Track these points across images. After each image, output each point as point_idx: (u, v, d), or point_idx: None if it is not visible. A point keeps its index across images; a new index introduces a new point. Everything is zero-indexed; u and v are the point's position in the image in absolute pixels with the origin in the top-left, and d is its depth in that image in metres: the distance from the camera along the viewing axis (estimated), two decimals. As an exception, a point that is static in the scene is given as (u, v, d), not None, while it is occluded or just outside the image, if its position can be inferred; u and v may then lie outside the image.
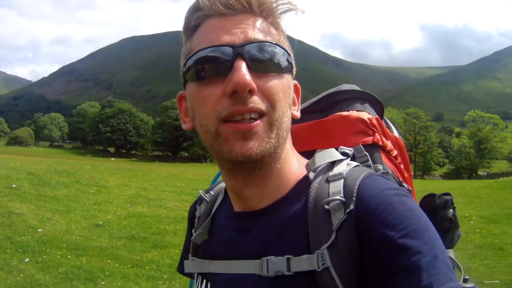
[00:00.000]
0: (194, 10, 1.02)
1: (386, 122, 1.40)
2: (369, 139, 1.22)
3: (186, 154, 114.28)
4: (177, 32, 1.17)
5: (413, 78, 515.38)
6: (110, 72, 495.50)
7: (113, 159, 70.54)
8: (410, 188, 1.25)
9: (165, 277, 8.56)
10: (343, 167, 1.01)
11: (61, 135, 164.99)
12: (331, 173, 1.00)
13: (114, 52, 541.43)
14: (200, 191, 1.33)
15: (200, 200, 1.31)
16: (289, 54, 1.03)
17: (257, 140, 0.94)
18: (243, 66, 0.92)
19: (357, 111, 1.28)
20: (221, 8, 0.97)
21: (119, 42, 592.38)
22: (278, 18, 1.04)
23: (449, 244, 1.28)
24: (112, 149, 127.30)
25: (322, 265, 0.88)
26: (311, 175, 1.04)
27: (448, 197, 1.31)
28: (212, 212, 1.21)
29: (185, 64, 1.02)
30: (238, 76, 0.91)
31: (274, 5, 1.02)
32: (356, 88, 1.36)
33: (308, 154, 1.14)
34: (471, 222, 15.04)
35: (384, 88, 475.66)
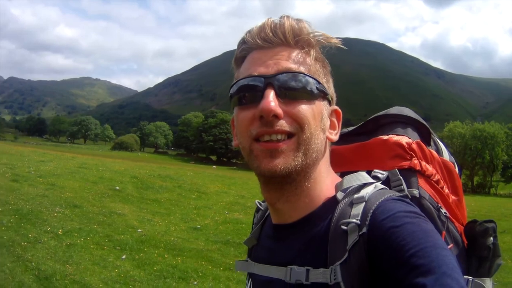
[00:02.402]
0: (241, 43, 1.15)
1: (436, 145, 1.40)
2: (405, 164, 1.23)
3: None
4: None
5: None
6: (213, 84, 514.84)
7: (214, 166, 72.02)
8: (447, 213, 1.22)
9: (255, 282, 8.51)
10: (368, 191, 1.06)
11: (166, 142, 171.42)
12: (355, 196, 1.05)
13: (216, 64, 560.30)
14: (256, 201, 1.45)
15: (257, 209, 1.44)
16: (319, 83, 1.10)
17: (282, 158, 1.03)
18: (270, 95, 1.03)
19: (397, 135, 1.29)
20: (260, 42, 1.10)
21: (222, 55, 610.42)
22: (313, 48, 1.12)
23: (486, 273, 1.24)
24: (214, 157, 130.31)
25: (334, 279, 0.95)
26: (340, 195, 1.09)
27: (489, 225, 1.25)
28: (262, 221, 1.35)
29: (229, 91, 1.15)
30: (264, 103, 1.02)
31: (309, 37, 1.11)
32: (405, 111, 1.38)
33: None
34: None
35: (486, 101, 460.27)
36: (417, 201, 1.16)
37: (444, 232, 1.18)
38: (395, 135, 1.28)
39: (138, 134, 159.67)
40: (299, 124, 1.04)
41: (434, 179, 1.26)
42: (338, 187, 1.12)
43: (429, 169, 1.25)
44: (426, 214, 1.08)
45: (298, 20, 1.10)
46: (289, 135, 1.04)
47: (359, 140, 1.36)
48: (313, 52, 1.11)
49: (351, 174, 1.15)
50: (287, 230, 1.15)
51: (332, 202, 1.09)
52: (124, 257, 9.21)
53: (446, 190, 1.30)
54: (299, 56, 1.09)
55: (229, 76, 1.20)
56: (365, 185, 1.09)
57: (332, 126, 1.18)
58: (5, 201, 12.09)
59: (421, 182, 1.22)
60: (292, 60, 1.08)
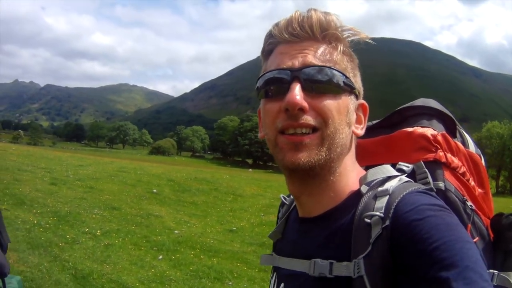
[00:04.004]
0: (268, 37, 1.16)
1: (461, 136, 1.37)
2: (430, 156, 1.22)
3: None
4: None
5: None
6: (248, 87, 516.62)
7: (250, 170, 72.37)
8: (473, 206, 1.19)
9: (290, 283, 8.52)
10: (392, 184, 1.05)
11: (202, 146, 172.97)
12: (379, 189, 1.04)
13: (251, 68, 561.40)
14: (281, 195, 1.44)
15: (282, 203, 1.43)
16: (346, 77, 1.09)
17: (306, 152, 1.04)
18: (296, 88, 1.03)
19: (422, 127, 1.28)
20: (288, 36, 1.10)
21: (256, 59, 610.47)
22: (341, 43, 1.11)
23: None
24: (250, 161, 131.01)
25: (357, 273, 0.95)
26: (364, 188, 1.08)
27: None
28: (286, 215, 1.35)
29: (257, 83, 1.16)
30: (290, 97, 1.03)
31: (336, 32, 1.10)
32: (431, 103, 1.36)
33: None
34: None
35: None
36: (443, 194, 1.16)
37: (469, 225, 1.16)
38: (420, 127, 1.28)
39: (175, 139, 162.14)
40: (323, 118, 1.04)
41: (460, 172, 1.24)
42: (362, 181, 1.12)
43: (455, 161, 1.24)
44: (452, 207, 1.07)
45: (326, 14, 1.10)
46: (314, 129, 1.04)
47: (383, 133, 1.36)
48: (340, 47, 1.11)
49: (375, 167, 1.14)
50: (311, 223, 1.16)
51: (356, 195, 1.08)
52: (161, 257, 9.36)
53: (472, 183, 1.28)
54: (326, 50, 1.09)
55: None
56: (389, 178, 1.08)
57: (358, 121, 1.18)
58: (43, 204, 12.43)
59: (447, 174, 1.21)
60: (319, 55, 1.08)
